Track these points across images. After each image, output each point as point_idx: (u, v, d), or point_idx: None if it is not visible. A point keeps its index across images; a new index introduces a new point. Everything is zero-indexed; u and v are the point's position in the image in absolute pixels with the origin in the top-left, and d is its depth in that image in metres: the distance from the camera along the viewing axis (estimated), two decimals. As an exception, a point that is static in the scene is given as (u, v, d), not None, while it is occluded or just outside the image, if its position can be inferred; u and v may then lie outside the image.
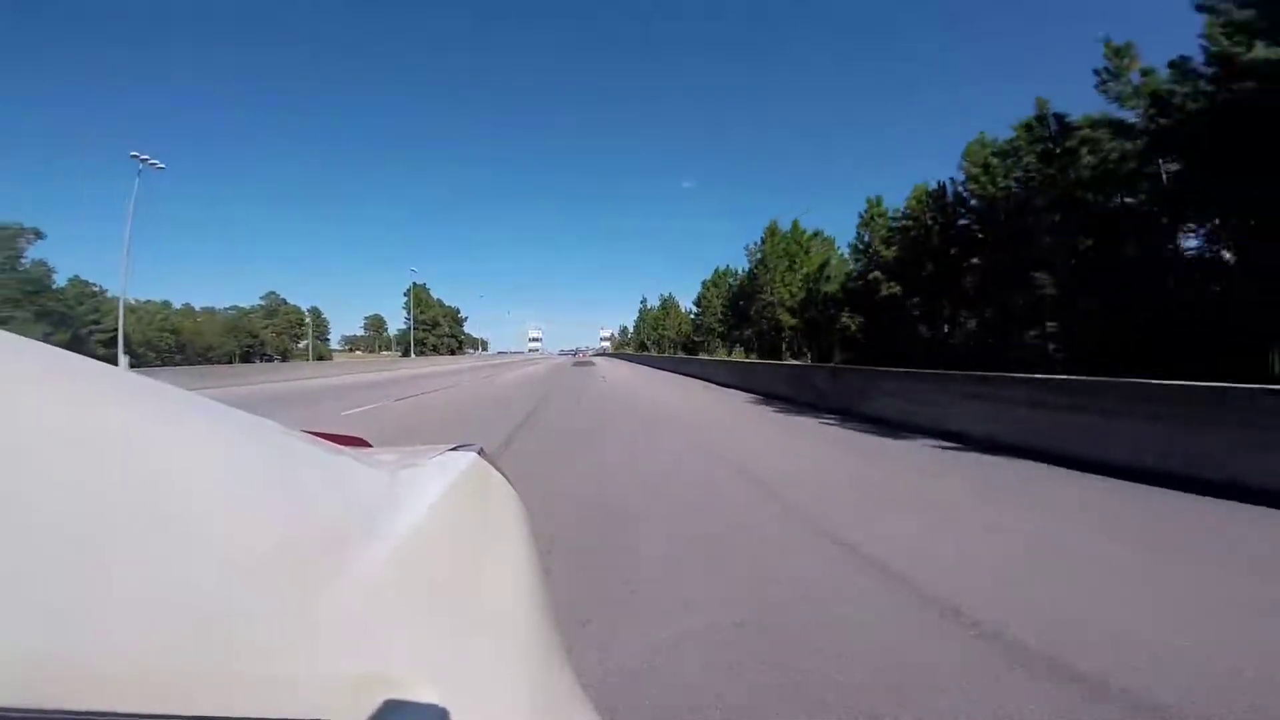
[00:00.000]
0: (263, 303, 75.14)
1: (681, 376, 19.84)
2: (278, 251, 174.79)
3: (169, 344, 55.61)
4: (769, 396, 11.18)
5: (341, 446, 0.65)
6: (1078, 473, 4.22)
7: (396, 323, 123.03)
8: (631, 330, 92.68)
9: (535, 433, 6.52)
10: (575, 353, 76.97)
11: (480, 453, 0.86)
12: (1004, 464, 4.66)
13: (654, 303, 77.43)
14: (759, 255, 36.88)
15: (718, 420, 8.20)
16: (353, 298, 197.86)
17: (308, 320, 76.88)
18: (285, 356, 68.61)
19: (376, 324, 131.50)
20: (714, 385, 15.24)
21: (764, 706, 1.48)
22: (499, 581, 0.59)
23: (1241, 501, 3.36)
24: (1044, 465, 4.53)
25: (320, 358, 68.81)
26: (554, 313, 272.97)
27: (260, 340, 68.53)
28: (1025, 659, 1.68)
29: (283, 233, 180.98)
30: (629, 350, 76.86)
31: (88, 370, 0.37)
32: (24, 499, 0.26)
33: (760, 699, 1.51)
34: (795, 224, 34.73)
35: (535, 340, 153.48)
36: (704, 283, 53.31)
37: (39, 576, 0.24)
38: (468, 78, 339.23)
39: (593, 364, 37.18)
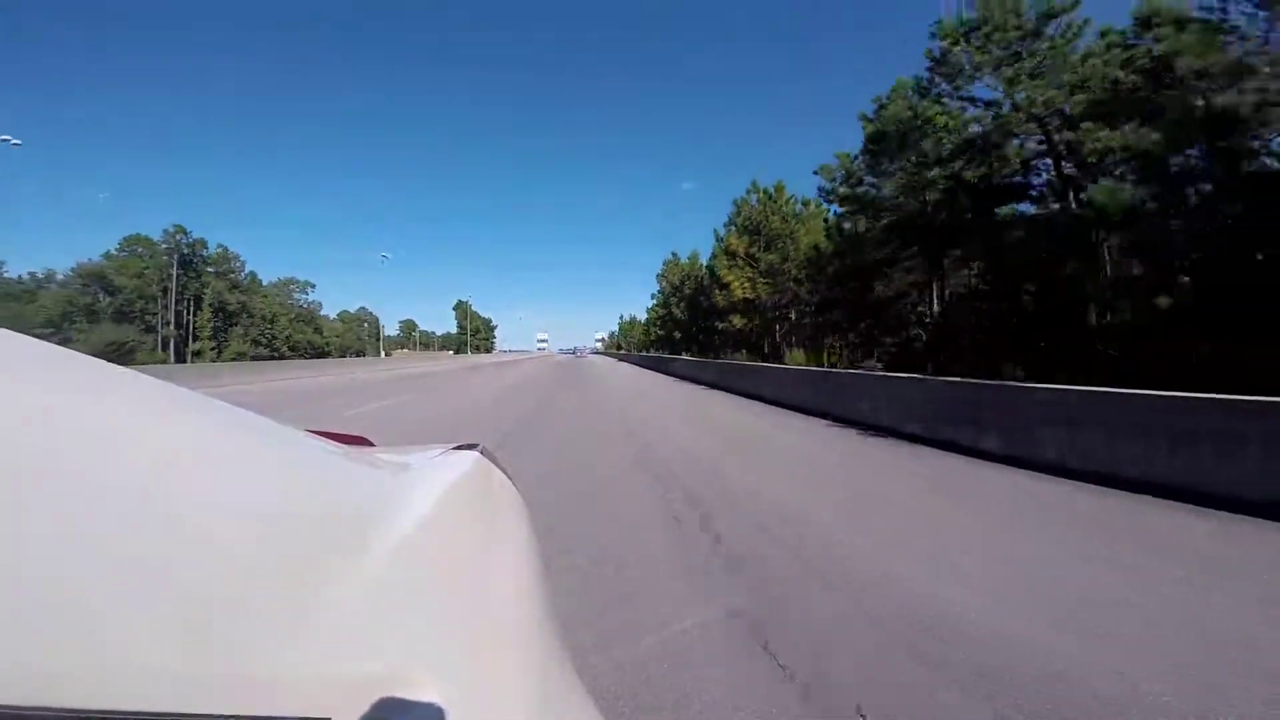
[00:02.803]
0: (355, 313, 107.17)
1: (619, 361, 50.30)
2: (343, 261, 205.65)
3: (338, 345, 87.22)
4: (640, 363, 41.64)
5: (344, 446, 0.66)
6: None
7: (423, 325, 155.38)
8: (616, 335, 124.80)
9: (566, 365, 36.34)
10: (574, 351, 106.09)
11: (482, 452, 0.86)
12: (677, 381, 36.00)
13: (630, 316, 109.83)
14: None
15: (604, 363, 37.91)
16: (384, 302, 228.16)
17: (364, 323, 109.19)
18: (363, 352, 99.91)
19: (409, 327, 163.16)
20: (622, 360, 46.30)
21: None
22: (501, 580, 0.60)
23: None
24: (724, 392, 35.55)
25: (385, 354, 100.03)
26: (556, 314, 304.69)
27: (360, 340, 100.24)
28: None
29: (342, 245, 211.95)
30: (614, 350, 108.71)
31: (90, 369, 0.38)
32: (24, 497, 0.26)
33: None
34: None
35: (543, 341, 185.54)
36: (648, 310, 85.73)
37: (39, 575, 0.24)
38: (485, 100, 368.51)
39: (586, 358, 67.18)
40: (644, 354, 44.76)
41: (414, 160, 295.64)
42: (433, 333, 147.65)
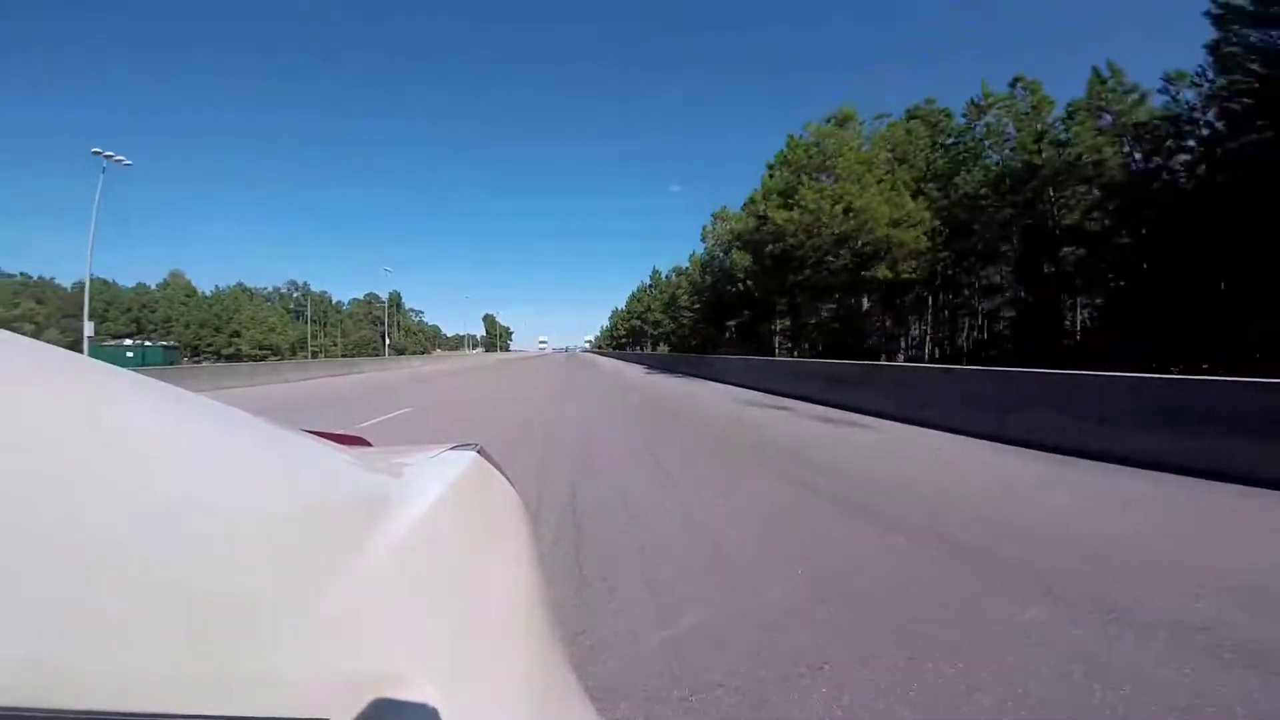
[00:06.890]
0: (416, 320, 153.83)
1: (598, 355, 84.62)
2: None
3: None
4: (602, 354, 76.57)
5: (341, 446, 0.67)
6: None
7: (436, 324, 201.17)
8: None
9: (563, 360, 70.74)
10: (567, 349, 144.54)
11: (480, 452, 0.87)
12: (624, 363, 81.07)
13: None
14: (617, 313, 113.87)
15: (587, 357, 73.89)
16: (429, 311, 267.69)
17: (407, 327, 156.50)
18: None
19: (434, 331, 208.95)
20: (598, 355, 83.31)
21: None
22: (499, 581, 0.61)
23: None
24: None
25: (468, 349, 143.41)
26: (554, 315, 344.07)
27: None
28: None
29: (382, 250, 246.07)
30: (598, 349, 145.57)
31: (86, 368, 0.38)
32: (22, 498, 0.25)
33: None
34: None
35: (544, 342, 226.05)
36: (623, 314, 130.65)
37: (38, 576, 0.24)
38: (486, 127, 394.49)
39: (578, 356, 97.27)
40: (611, 350, 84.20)
41: (416, 172, 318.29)
42: (443, 333, 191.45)
